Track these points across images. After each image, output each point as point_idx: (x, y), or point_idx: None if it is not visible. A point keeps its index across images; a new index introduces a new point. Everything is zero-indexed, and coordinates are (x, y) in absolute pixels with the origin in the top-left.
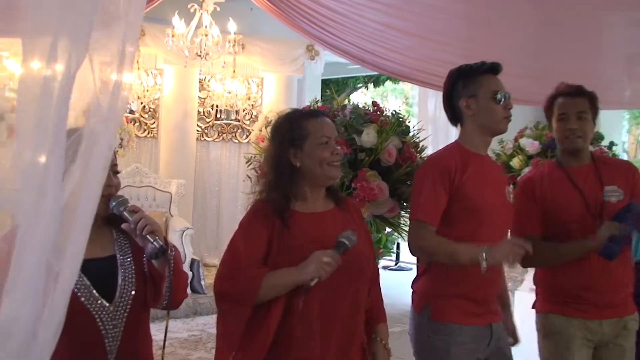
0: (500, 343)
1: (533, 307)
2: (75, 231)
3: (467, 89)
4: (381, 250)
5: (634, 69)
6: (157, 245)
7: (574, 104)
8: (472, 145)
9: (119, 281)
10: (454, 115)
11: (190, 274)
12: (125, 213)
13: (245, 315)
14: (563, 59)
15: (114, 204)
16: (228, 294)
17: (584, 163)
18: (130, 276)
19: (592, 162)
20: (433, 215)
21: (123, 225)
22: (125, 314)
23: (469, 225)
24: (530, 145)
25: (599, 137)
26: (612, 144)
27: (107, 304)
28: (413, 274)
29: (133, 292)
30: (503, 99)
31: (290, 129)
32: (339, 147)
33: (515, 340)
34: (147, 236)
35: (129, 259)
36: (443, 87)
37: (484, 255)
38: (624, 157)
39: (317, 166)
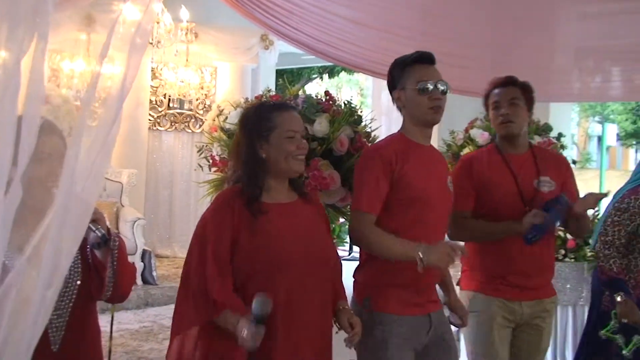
0: (441, 331)
1: (458, 284)
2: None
3: (399, 81)
4: (335, 241)
5: (584, 63)
6: (99, 234)
7: (506, 92)
8: (412, 135)
9: None
10: (397, 107)
11: (141, 265)
12: None
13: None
14: (515, 52)
15: None
16: (186, 304)
17: (522, 151)
18: (75, 266)
19: (530, 152)
20: (373, 205)
21: None
22: (70, 304)
23: (410, 214)
24: (481, 136)
25: (547, 129)
26: (560, 135)
27: None
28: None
29: (78, 282)
30: (428, 89)
31: (258, 121)
32: (304, 142)
33: (463, 320)
34: (89, 225)
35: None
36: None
37: (421, 255)
38: (573, 149)
39: (282, 159)
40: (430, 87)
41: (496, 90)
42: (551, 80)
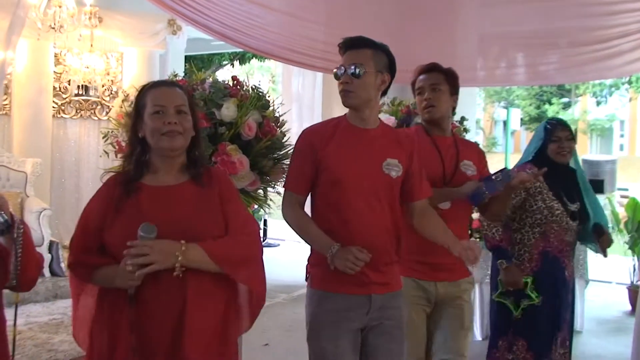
0: (382, 314)
1: None
2: None
3: None
4: None
5: (488, 49)
6: (2, 220)
7: (429, 78)
8: (351, 117)
9: None
10: None
11: (49, 256)
12: None
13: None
14: (420, 38)
15: None
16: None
17: (447, 135)
18: None
19: (453, 137)
20: (299, 186)
21: None
22: None
23: (331, 196)
24: (387, 120)
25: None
26: (463, 118)
27: None
28: (281, 249)
29: None
30: (338, 74)
31: (137, 100)
32: (176, 117)
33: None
34: None
35: None
36: None
37: (330, 256)
38: (479, 134)
39: (150, 137)
40: (339, 72)
41: (420, 77)
42: (455, 65)
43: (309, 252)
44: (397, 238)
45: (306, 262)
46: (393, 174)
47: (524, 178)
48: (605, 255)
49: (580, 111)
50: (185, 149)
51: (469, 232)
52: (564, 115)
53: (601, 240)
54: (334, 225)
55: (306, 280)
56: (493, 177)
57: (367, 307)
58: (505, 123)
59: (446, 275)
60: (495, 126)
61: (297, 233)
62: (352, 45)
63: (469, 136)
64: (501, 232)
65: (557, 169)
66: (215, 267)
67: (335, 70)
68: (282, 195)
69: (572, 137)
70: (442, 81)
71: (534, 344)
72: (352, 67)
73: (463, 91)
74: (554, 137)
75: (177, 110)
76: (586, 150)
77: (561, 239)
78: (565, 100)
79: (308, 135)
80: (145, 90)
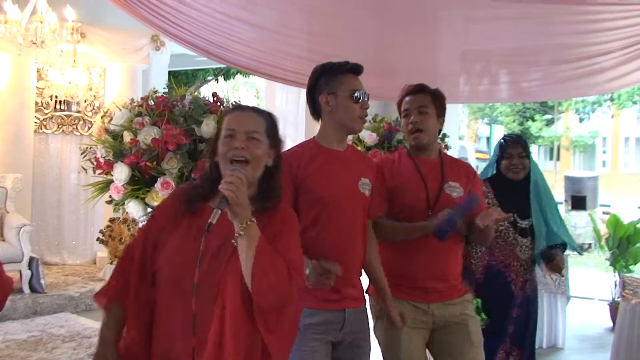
0: (355, 329)
1: (367, 291)
2: None
3: (328, 85)
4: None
5: (471, 65)
6: None
7: (416, 100)
8: (326, 140)
9: None
10: (314, 109)
11: (28, 273)
12: None
13: None
14: (403, 54)
15: None
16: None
17: (432, 157)
18: None
19: (439, 158)
20: None
21: None
22: None
23: (311, 217)
24: (369, 137)
25: None
26: (444, 135)
27: None
28: None
29: None
30: (361, 98)
31: (218, 123)
32: (251, 144)
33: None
34: None
35: None
36: (308, 81)
37: (307, 270)
38: (464, 149)
39: (220, 161)
40: (363, 97)
41: (407, 98)
42: (439, 81)
43: None
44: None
45: None
46: (367, 192)
47: (496, 217)
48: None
49: (563, 128)
50: (254, 179)
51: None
52: (546, 132)
53: (550, 266)
54: (316, 243)
55: None
56: (458, 206)
57: (341, 322)
58: (488, 139)
59: (438, 297)
60: (478, 142)
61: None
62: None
63: (450, 152)
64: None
65: (511, 185)
66: (250, 263)
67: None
68: None
69: (525, 154)
70: (429, 103)
71: None
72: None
73: (447, 107)
74: (507, 154)
75: (249, 136)
76: (569, 166)
77: (507, 254)
78: (548, 117)
79: (286, 158)
80: (226, 114)
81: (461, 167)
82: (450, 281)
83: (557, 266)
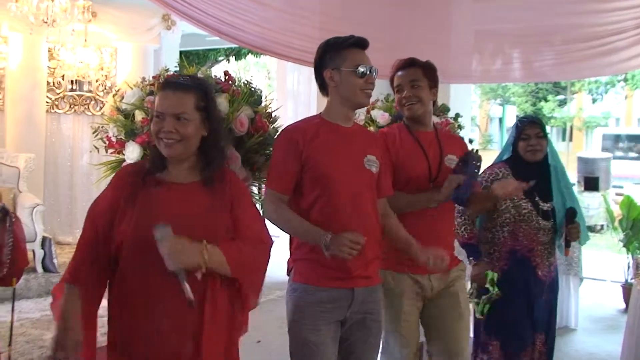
0: (365, 308)
1: None
2: None
3: (333, 61)
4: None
5: (483, 45)
6: None
7: (407, 75)
8: (331, 116)
9: None
10: (321, 85)
11: (41, 252)
12: None
13: None
14: (414, 33)
15: None
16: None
17: (428, 130)
18: None
19: (435, 131)
20: (284, 185)
21: None
22: None
23: (316, 193)
24: (381, 116)
25: (445, 109)
26: (457, 115)
27: None
28: (275, 246)
29: None
30: (366, 73)
31: (155, 100)
32: (173, 122)
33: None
34: None
35: None
36: (314, 58)
37: (325, 244)
38: (475, 130)
39: (153, 138)
40: (368, 71)
41: (399, 73)
42: (451, 62)
43: (289, 247)
44: (380, 233)
45: (288, 256)
46: (373, 169)
47: (510, 190)
48: (566, 251)
49: (576, 108)
50: (190, 152)
51: None
52: (559, 113)
53: (570, 227)
54: (321, 221)
55: (288, 274)
56: (463, 169)
57: (349, 300)
58: (500, 120)
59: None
60: (490, 123)
61: (284, 229)
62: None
63: (463, 133)
64: (469, 229)
65: (529, 167)
66: (228, 272)
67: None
68: (266, 195)
69: (543, 135)
70: (421, 76)
71: (507, 344)
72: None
73: (458, 88)
74: (524, 135)
75: (177, 117)
76: (582, 147)
77: (531, 239)
78: (561, 97)
79: (291, 132)
80: (158, 90)
81: (455, 140)
82: (448, 251)
83: (576, 230)
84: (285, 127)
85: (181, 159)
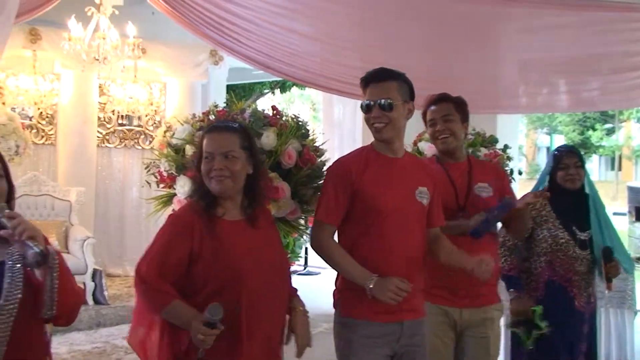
0: (414, 344)
1: None
2: None
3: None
4: (289, 256)
5: (529, 75)
6: (37, 250)
7: (440, 109)
8: (379, 147)
9: (5, 285)
10: None
11: (92, 284)
12: (2, 219)
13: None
14: (461, 65)
15: None
16: (140, 292)
17: (460, 161)
18: (17, 281)
19: (467, 162)
20: (332, 216)
21: (1, 232)
22: (12, 319)
23: (365, 225)
24: (429, 148)
25: (493, 141)
26: (506, 146)
27: None
28: (322, 277)
29: (19, 296)
30: (364, 107)
31: (200, 142)
32: (224, 162)
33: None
34: (26, 242)
35: (18, 265)
36: None
37: (370, 286)
38: (522, 160)
39: (203, 178)
40: (365, 106)
41: (431, 108)
42: (498, 92)
43: (336, 279)
44: (424, 265)
45: (334, 289)
46: (424, 201)
47: (528, 200)
48: (609, 286)
49: (625, 137)
50: (238, 189)
51: None
52: (607, 142)
53: (608, 266)
54: (370, 253)
55: (335, 307)
56: (493, 209)
57: (398, 334)
58: (548, 149)
59: (469, 302)
60: (538, 153)
61: (330, 263)
62: (375, 78)
63: (512, 163)
64: (509, 261)
65: (567, 196)
66: None
67: (363, 103)
68: (313, 225)
69: (580, 164)
70: (453, 111)
71: None
72: (382, 100)
73: (505, 118)
74: (562, 165)
75: (225, 155)
76: (631, 176)
77: (568, 268)
78: (609, 125)
79: (342, 164)
80: (204, 133)
81: (490, 168)
82: (484, 284)
83: (615, 268)
84: (338, 159)
85: (229, 196)
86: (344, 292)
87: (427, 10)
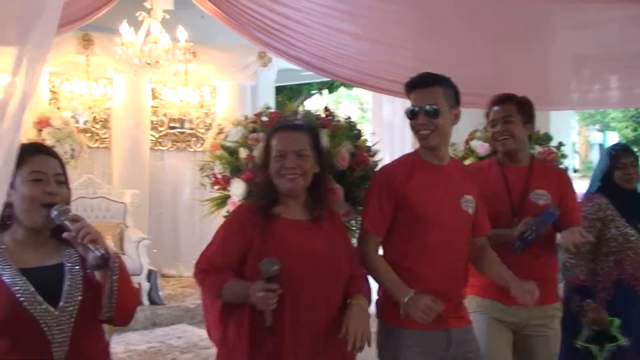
0: (464, 349)
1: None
2: None
3: None
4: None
5: (582, 71)
6: (99, 254)
7: (501, 110)
8: (423, 153)
9: (65, 287)
10: None
11: (147, 285)
12: (66, 222)
13: (217, 304)
14: (513, 62)
15: (55, 213)
16: (200, 282)
17: (521, 164)
18: (77, 283)
19: (529, 166)
20: (377, 226)
21: (64, 235)
22: (72, 320)
23: (411, 233)
24: (481, 147)
25: (547, 138)
26: (560, 144)
27: (52, 309)
28: (371, 279)
29: (79, 298)
30: (408, 114)
31: (267, 140)
32: (296, 160)
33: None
34: (88, 245)
35: (77, 267)
36: None
37: (405, 301)
38: (575, 157)
39: (273, 177)
40: (409, 112)
41: (494, 108)
42: (550, 88)
43: (378, 289)
44: (467, 274)
45: (377, 297)
46: (470, 210)
47: (575, 241)
48: None
49: None
50: (305, 188)
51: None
52: None
53: None
54: (414, 261)
55: (378, 316)
56: (537, 220)
57: (446, 342)
58: (601, 146)
59: None
60: (590, 149)
61: (373, 276)
62: (421, 84)
63: (567, 161)
64: (584, 270)
65: (625, 195)
66: None
67: (408, 109)
68: (359, 233)
69: (636, 163)
70: (515, 112)
71: None
72: (428, 106)
73: (558, 115)
74: (619, 164)
75: (298, 155)
76: None
77: (637, 267)
78: None
79: (386, 172)
80: (273, 132)
81: (552, 174)
82: (542, 284)
83: None
84: (383, 166)
85: (297, 195)
86: (388, 301)
87: (480, 8)
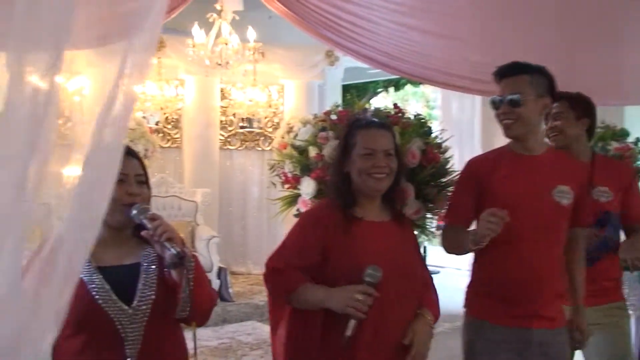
0: (547, 350)
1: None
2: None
3: None
4: None
5: None
6: (174, 252)
7: (553, 108)
8: (514, 145)
9: (139, 286)
10: None
11: (217, 282)
12: (144, 221)
13: (284, 307)
14: (584, 55)
15: (134, 212)
16: (268, 282)
17: (581, 159)
18: (151, 282)
19: (590, 162)
20: (460, 218)
21: (142, 233)
22: (145, 319)
23: None
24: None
25: (624, 134)
26: (638, 140)
27: (126, 307)
28: (442, 276)
29: (153, 297)
30: (493, 103)
31: (346, 136)
32: (386, 160)
33: (579, 341)
34: (165, 243)
35: (153, 267)
36: None
37: (472, 238)
38: None
39: (357, 175)
40: (492, 103)
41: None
42: (624, 82)
43: (469, 279)
44: (563, 269)
45: (466, 288)
46: (564, 201)
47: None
48: None
49: None
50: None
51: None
52: None
53: None
54: (500, 254)
55: (464, 307)
56: (601, 234)
57: (526, 341)
58: None
59: (592, 300)
60: None
61: (459, 250)
62: (507, 72)
63: None
64: None
65: None
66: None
67: (491, 99)
68: (442, 229)
69: None
70: (566, 108)
71: None
72: (510, 96)
73: (632, 110)
74: None
75: (387, 154)
76: None
77: None
78: None
79: (472, 165)
80: (355, 128)
81: (615, 170)
82: (609, 282)
83: None
84: (469, 160)
85: (377, 195)
86: (475, 293)
87: (555, 2)
